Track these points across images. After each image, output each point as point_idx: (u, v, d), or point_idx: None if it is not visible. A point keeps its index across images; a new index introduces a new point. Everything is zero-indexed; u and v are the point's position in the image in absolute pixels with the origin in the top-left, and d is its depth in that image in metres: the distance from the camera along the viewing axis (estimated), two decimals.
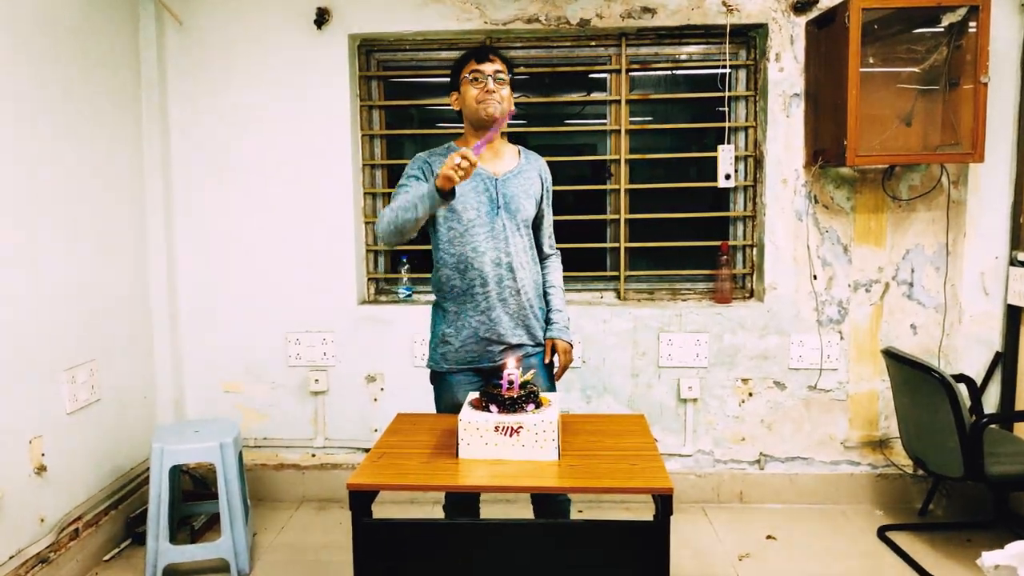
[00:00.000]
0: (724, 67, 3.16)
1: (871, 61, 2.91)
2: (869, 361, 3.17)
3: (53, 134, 2.59)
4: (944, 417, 2.55)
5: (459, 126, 2.34)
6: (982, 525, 2.97)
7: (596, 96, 3.36)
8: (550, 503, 2.27)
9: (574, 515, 2.38)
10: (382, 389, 3.28)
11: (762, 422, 3.21)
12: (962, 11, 2.78)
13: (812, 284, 3.15)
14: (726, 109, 3.19)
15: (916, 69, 2.96)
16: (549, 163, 2.41)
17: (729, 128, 3.21)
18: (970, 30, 2.78)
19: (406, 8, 3.12)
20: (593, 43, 3.25)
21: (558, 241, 2.46)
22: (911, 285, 3.14)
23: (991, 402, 3.09)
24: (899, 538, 2.88)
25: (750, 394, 3.21)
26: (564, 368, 2.35)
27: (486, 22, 3.11)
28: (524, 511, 2.41)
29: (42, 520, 2.52)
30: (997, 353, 3.08)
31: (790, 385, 3.19)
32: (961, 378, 2.93)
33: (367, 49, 3.29)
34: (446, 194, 1.97)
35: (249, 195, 3.23)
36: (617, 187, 3.28)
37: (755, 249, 3.28)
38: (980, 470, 2.53)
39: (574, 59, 3.30)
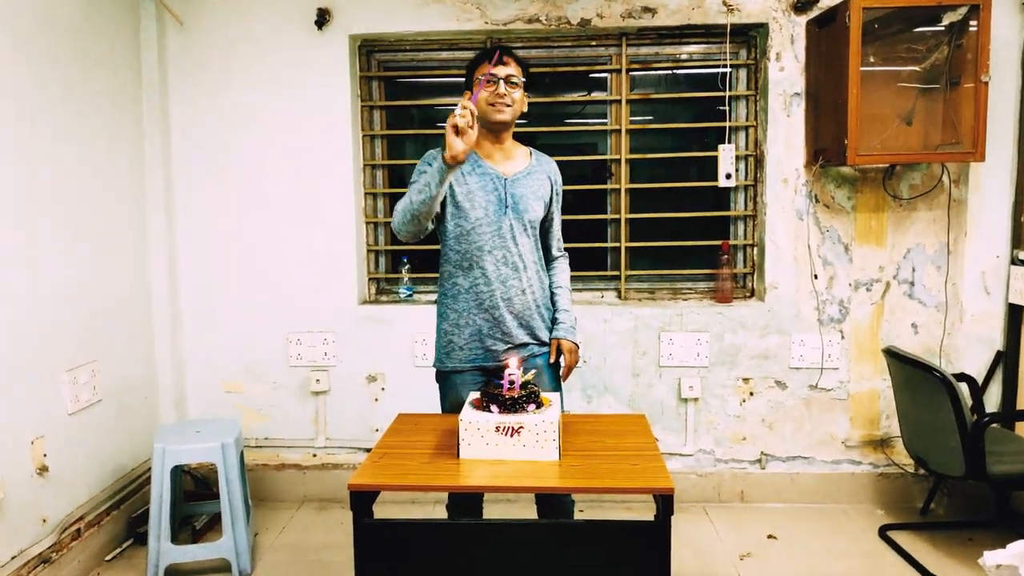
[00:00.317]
0: (724, 66, 3.16)
1: (872, 60, 2.90)
2: (870, 360, 3.17)
3: (53, 134, 2.59)
4: (945, 416, 2.55)
5: None
6: (983, 524, 2.97)
7: (597, 96, 3.36)
8: (554, 504, 2.27)
9: (575, 515, 2.38)
10: (383, 389, 3.28)
11: (763, 421, 3.21)
12: (963, 10, 2.78)
13: (813, 283, 3.15)
14: (727, 108, 3.19)
15: (917, 68, 2.96)
16: None
17: (730, 127, 3.21)
18: (971, 29, 2.78)
19: (406, 8, 3.12)
20: (593, 43, 3.25)
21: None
22: (912, 284, 3.13)
23: (992, 401, 3.09)
24: (900, 537, 2.88)
25: (751, 393, 3.20)
26: (570, 368, 2.35)
27: (486, 22, 3.11)
28: (526, 511, 2.41)
29: (44, 520, 2.52)
30: (998, 352, 3.08)
31: (791, 384, 3.19)
32: (962, 377, 2.93)
33: (368, 49, 3.29)
34: (455, 164, 1.97)
35: (250, 195, 3.23)
36: (618, 187, 3.28)
37: (756, 248, 3.28)
38: (981, 469, 2.53)
39: (575, 59, 3.30)
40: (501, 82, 2.17)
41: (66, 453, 2.62)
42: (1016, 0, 2.94)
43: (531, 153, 2.34)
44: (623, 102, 3.23)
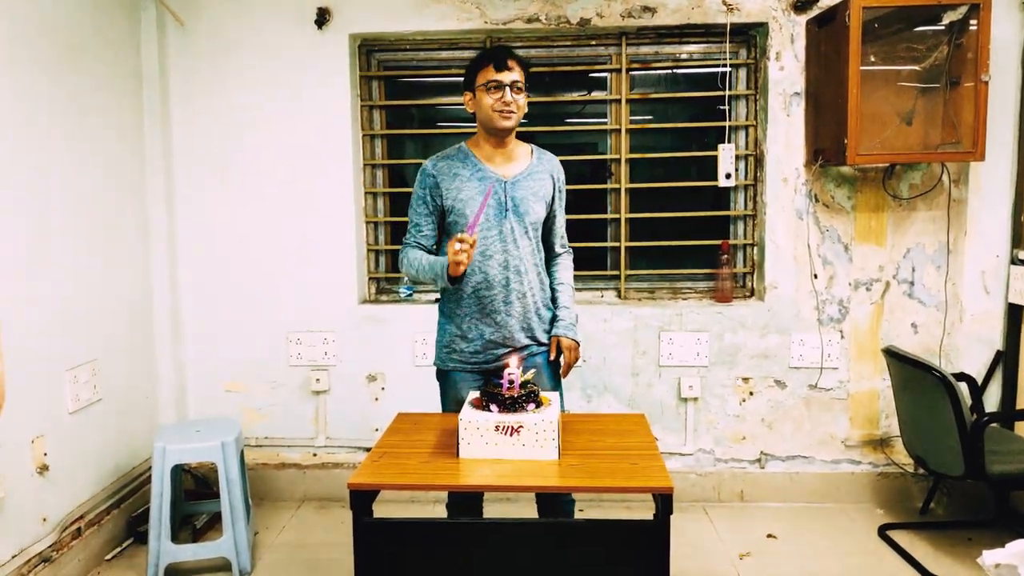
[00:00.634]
0: (724, 66, 3.16)
1: (872, 60, 2.90)
2: (870, 360, 3.17)
3: (54, 134, 2.59)
4: (945, 416, 2.55)
5: (461, 126, 2.35)
6: (983, 524, 2.97)
7: (596, 95, 3.36)
8: (554, 504, 2.27)
9: (575, 514, 2.39)
10: (383, 388, 3.28)
11: (763, 421, 3.21)
12: (963, 9, 2.78)
13: (813, 283, 3.15)
14: (726, 108, 3.19)
15: (917, 68, 2.96)
16: None
17: (729, 127, 3.21)
18: (971, 28, 2.78)
19: (406, 8, 3.12)
20: (593, 42, 3.25)
21: None
22: (912, 284, 3.13)
23: (992, 401, 3.09)
24: (900, 537, 2.88)
25: (751, 393, 3.21)
26: (569, 366, 2.35)
27: (486, 22, 3.11)
28: (526, 511, 2.42)
29: (44, 519, 2.52)
30: (998, 352, 3.08)
31: (791, 384, 3.19)
32: (962, 377, 2.93)
33: (368, 49, 3.29)
34: (458, 278, 2.11)
35: (251, 194, 3.23)
36: (617, 186, 3.28)
37: (755, 248, 3.28)
38: (981, 469, 2.53)
39: (574, 58, 3.30)
40: (507, 89, 2.15)
41: (66, 452, 2.63)
42: None
43: (532, 151, 2.32)
44: (623, 101, 3.23)
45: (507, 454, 1.85)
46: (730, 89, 3.18)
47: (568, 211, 2.46)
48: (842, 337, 3.16)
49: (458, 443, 1.88)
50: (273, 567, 2.77)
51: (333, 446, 3.32)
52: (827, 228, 3.14)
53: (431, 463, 1.87)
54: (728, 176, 3.17)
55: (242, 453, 2.79)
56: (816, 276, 3.15)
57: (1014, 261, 3.02)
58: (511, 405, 1.88)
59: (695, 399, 3.21)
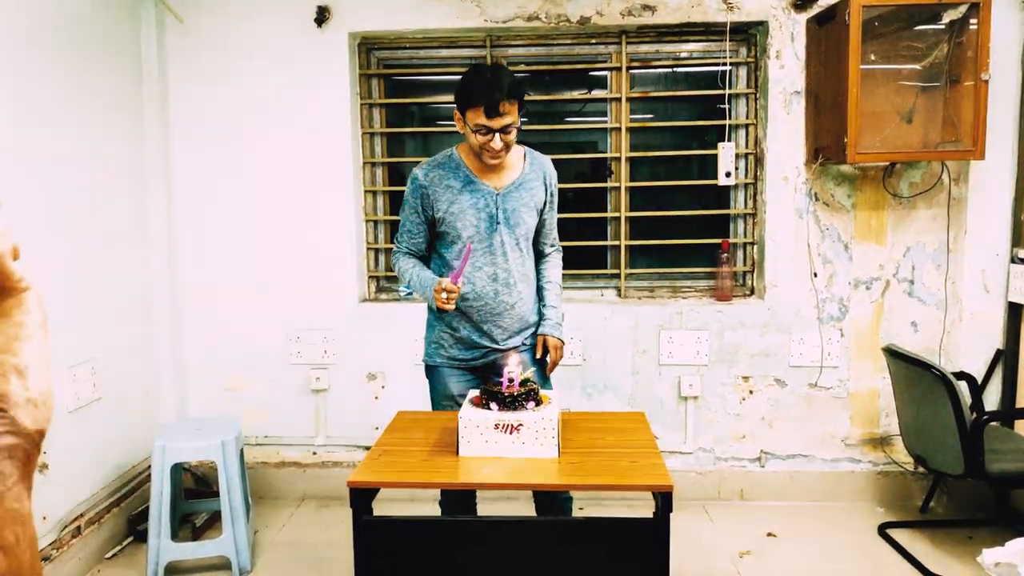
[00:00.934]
0: (724, 64, 3.16)
1: (872, 58, 2.90)
2: (870, 358, 3.17)
3: (54, 134, 2.59)
4: (945, 415, 2.55)
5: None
6: (983, 522, 2.97)
7: (596, 94, 3.36)
8: (552, 502, 2.27)
9: (575, 512, 2.39)
10: (383, 387, 3.28)
11: (763, 419, 3.21)
12: (963, 8, 2.77)
13: (813, 282, 3.15)
14: (727, 106, 3.18)
15: (917, 66, 2.96)
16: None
17: (730, 126, 3.20)
18: (971, 27, 2.78)
19: (406, 6, 3.11)
20: (593, 41, 3.25)
21: (559, 240, 2.47)
22: (912, 283, 3.13)
23: (992, 400, 3.09)
24: (900, 535, 2.88)
25: (751, 392, 3.21)
26: (554, 364, 2.37)
27: (486, 20, 3.11)
28: (525, 508, 2.42)
29: (44, 518, 2.52)
30: (998, 350, 3.08)
31: (791, 383, 3.19)
32: (962, 375, 2.93)
33: (367, 47, 3.29)
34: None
35: (250, 193, 3.23)
36: (618, 185, 3.28)
37: (756, 247, 3.28)
38: (981, 467, 2.53)
39: (574, 57, 3.30)
40: (496, 135, 2.09)
41: (66, 451, 2.62)
42: None
43: (525, 155, 2.29)
44: (623, 100, 3.23)
45: (507, 452, 1.85)
46: (730, 87, 3.18)
47: (568, 209, 2.46)
48: (842, 336, 3.16)
49: (458, 441, 1.88)
50: (273, 565, 2.77)
51: (333, 445, 3.32)
52: (827, 227, 3.13)
53: (431, 461, 1.87)
54: (728, 175, 3.16)
55: (242, 452, 2.79)
56: (816, 275, 3.15)
57: (1014, 260, 3.02)
58: (511, 403, 1.88)
59: (695, 398, 3.21)
